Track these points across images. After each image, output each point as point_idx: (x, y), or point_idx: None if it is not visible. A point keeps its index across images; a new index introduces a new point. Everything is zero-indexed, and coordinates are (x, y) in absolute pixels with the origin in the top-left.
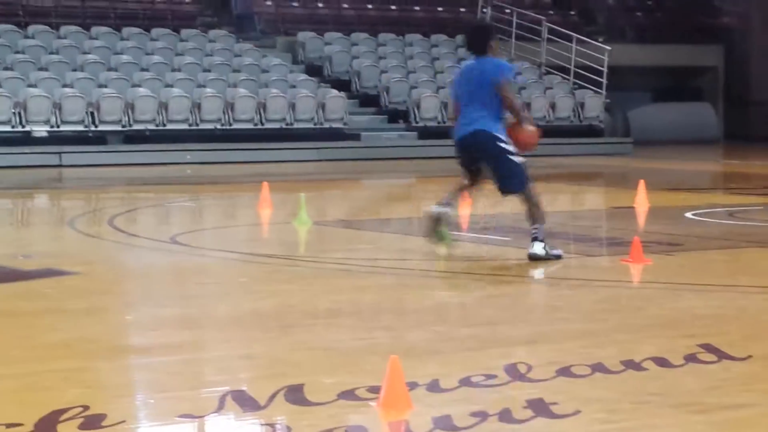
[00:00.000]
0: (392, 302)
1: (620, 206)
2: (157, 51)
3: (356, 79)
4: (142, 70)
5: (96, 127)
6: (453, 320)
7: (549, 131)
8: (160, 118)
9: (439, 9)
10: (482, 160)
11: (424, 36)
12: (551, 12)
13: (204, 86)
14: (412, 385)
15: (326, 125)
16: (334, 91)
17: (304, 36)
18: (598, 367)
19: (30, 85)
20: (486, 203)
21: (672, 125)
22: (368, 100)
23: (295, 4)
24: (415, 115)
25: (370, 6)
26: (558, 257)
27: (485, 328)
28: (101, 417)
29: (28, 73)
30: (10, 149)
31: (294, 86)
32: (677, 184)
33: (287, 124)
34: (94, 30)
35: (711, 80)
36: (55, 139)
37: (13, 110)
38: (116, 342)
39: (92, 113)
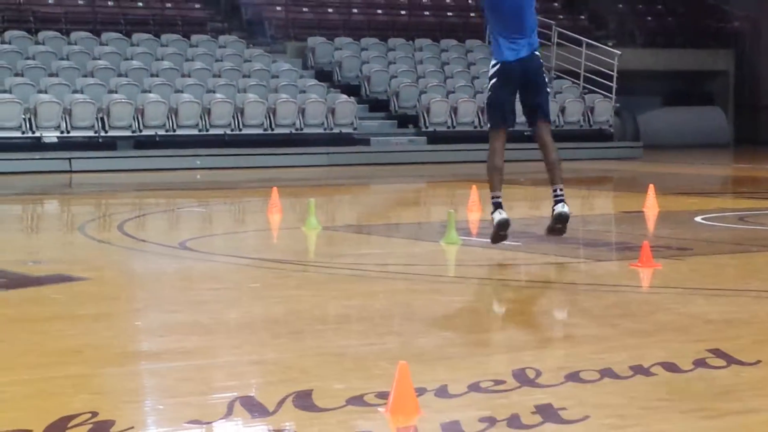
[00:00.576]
0: (402, 307)
1: (630, 210)
2: (167, 56)
3: (366, 84)
4: (152, 75)
5: (106, 132)
6: (462, 325)
7: (559, 135)
8: (170, 123)
9: (449, 14)
10: (529, 88)
11: (433, 41)
12: (561, 16)
13: (214, 92)
14: (421, 391)
15: (336, 130)
16: (344, 96)
17: (314, 41)
18: (607, 373)
19: (40, 91)
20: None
21: (682, 129)
22: (378, 105)
23: (305, 9)
24: (424, 120)
25: (380, 11)
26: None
27: (494, 333)
28: (110, 423)
29: (39, 79)
30: (21, 155)
31: (304, 91)
32: (687, 189)
33: (297, 130)
34: (104, 36)
35: (721, 84)
36: (65, 144)
37: (23, 116)
38: (125, 348)
39: (102, 119)
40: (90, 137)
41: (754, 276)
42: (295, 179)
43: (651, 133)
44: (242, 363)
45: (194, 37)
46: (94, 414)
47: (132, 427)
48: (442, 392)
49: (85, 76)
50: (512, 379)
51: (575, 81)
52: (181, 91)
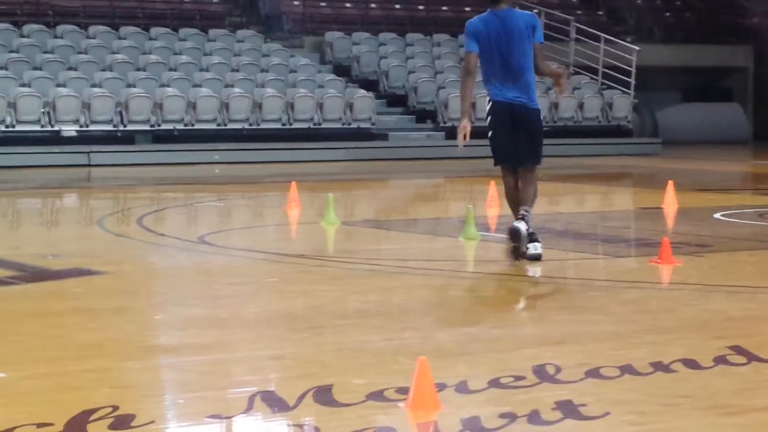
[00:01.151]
0: (421, 303)
1: (649, 207)
2: (185, 51)
3: (384, 79)
4: (171, 69)
5: (124, 126)
6: (482, 321)
7: (577, 131)
8: (189, 117)
9: (467, 9)
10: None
11: (451, 36)
12: (579, 12)
13: (232, 86)
14: (441, 386)
15: (354, 125)
16: (362, 91)
17: (332, 36)
18: (628, 369)
19: (59, 85)
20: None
21: (701, 126)
22: (396, 100)
23: (323, 4)
24: (442, 115)
25: (397, 6)
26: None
27: (514, 329)
28: (131, 417)
29: (57, 72)
30: (39, 149)
31: (322, 86)
32: (706, 185)
33: (315, 124)
34: (123, 30)
35: (740, 81)
36: (84, 138)
37: (42, 110)
38: (145, 342)
39: (121, 113)
40: (108, 131)
41: None
42: (313, 174)
43: (670, 129)
44: (262, 358)
45: (212, 32)
46: (115, 408)
47: (153, 421)
48: (462, 388)
49: (104, 70)
50: (532, 375)
51: (594, 77)
52: (200, 86)
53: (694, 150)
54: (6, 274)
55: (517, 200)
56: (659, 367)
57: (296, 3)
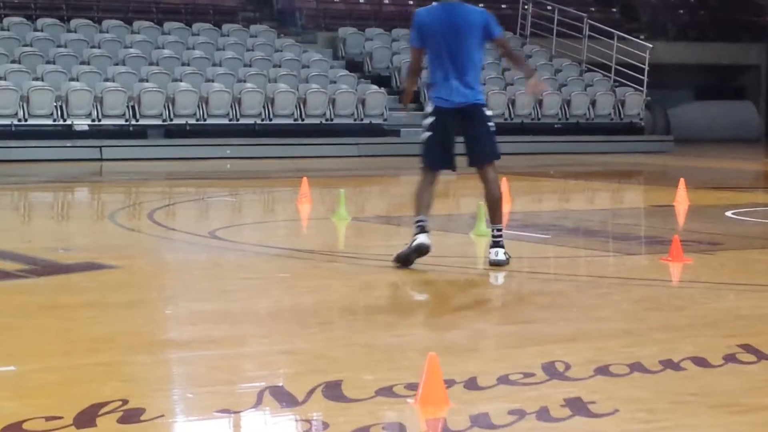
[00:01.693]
0: (431, 299)
1: (660, 204)
2: (199, 46)
3: (396, 75)
4: (183, 64)
5: (137, 121)
6: (491, 317)
7: (589, 128)
8: (201, 112)
9: (480, 5)
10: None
11: None
12: (593, 9)
13: (244, 81)
14: (450, 383)
15: (366, 121)
16: (374, 87)
17: (345, 32)
18: (637, 367)
19: (72, 79)
20: (524, 200)
21: (713, 123)
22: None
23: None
24: None
25: (411, 2)
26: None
27: (523, 326)
28: (140, 411)
29: (70, 66)
30: (52, 143)
31: (334, 82)
32: (718, 183)
33: (327, 120)
34: (136, 24)
35: (753, 78)
36: (96, 132)
37: (54, 104)
38: (155, 336)
39: (133, 107)
40: (121, 125)
41: None
42: (324, 169)
43: (682, 126)
44: (272, 353)
45: (225, 27)
46: (125, 401)
47: (162, 415)
48: (471, 384)
49: (117, 64)
50: (542, 372)
51: (606, 74)
52: (212, 81)
53: (707, 148)
54: (17, 267)
55: (428, 203)
56: (669, 364)
57: None
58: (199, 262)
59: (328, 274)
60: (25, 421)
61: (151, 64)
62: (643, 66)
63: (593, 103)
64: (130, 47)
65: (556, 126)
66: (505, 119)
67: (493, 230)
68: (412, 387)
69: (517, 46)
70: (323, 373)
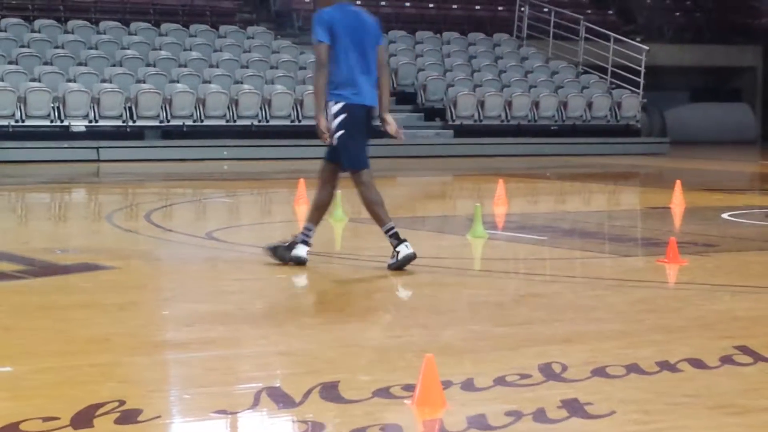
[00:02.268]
0: (428, 300)
1: (656, 206)
2: (196, 47)
3: (393, 77)
4: (180, 65)
5: (134, 122)
6: (488, 319)
7: (586, 130)
8: (198, 113)
9: (477, 7)
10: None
11: (461, 34)
12: (589, 11)
13: (241, 82)
14: (447, 384)
15: None
16: None
17: None
18: (634, 368)
19: (69, 80)
20: (521, 202)
21: (709, 125)
22: (405, 98)
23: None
24: (451, 113)
25: (407, 4)
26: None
27: (520, 327)
28: (137, 412)
29: (67, 67)
30: (49, 143)
31: None
32: (714, 185)
33: None
34: (133, 26)
35: (749, 81)
36: (93, 133)
37: (51, 105)
38: (152, 337)
39: (130, 108)
40: (118, 127)
41: None
42: None
43: (678, 128)
44: (268, 354)
45: (223, 28)
46: (122, 402)
47: (159, 416)
48: (468, 385)
49: (114, 65)
50: (538, 373)
51: (603, 76)
52: (209, 82)
53: (703, 150)
54: (14, 268)
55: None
56: (665, 366)
57: (307, 0)
58: (196, 263)
59: (324, 275)
60: (22, 422)
61: (148, 65)
62: (639, 68)
63: (590, 105)
64: (128, 48)
65: (552, 128)
66: (502, 121)
67: (390, 228)
68: (409, 388)
69: (514, 48)
70: (320, 374)
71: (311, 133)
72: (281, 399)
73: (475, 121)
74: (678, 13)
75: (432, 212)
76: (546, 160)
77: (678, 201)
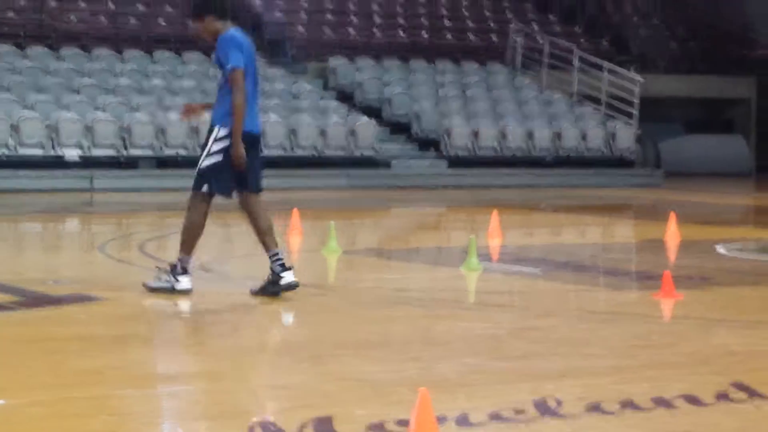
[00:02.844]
0: (422, 333)
1: (651, 239)
2: (189, 74)
3: (387, 106)
4: (174, 94)
5: (127, 152)
6: (483, 353)
7: (580, 162)
8: (192, 143)
9: (471, 37)
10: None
11: (455, 63)
12: (583, 40)
13: None
14: (442, 419)
15: (357, 153)
16: (365, 118)
17: (336, 62)
18: (628, 404)
19: (62, 108)
20: (515, 234)
21: (704, 157)
22: (399, 128)
23: (327, 30)
24: (445, 143)
25: (401, 33)
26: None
27: (515, 361)
28: None
29: (61, 95)
30: (42, 172)
31: (325, 112)
32: (709, 217)
33: (318, 151)
34: (127, 53)
35: (743, 112)
36: (87, 163)
37: (45, 133)
38: (145, 369)
39: (124, 138)
40: (112, 156)
41: None
42: (315, 201)
43: (673, 160)
44: (262, 387)
45: None
46: None
47: None
48: (462, 420)
49: (107, 93)
50: (533, 408)
51: (597, 107)
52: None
53: (697, 182)
54: (6, 299)
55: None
56: (660, 402)
57: (300, 28)
58: (190, 295)
59: (318, 308)
60: None
61: (141, 93)
62: (633, 99)
63: (584, 136)
64: (121, 76)
65: (546, 159)
66: (497, 152)
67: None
68: (404, 423)
69: (508, 78)
70: (314, 408)
71: (305, 162)
72: None
73: (470, 151)
74: (672, 44)
75: (426, 244)
76: (540, 191)
77: (673, 234)
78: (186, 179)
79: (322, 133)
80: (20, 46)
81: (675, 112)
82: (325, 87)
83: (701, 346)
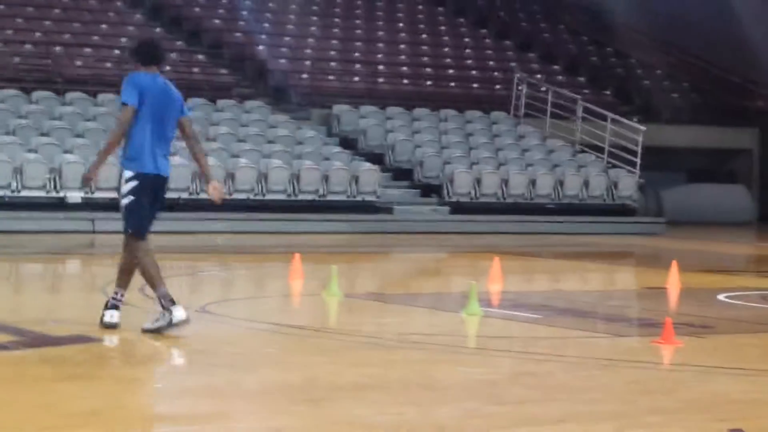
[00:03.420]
0: (420, 377)
1: (652, 287)
2: (193, 120)
3: (390, 153)
4: (178, 139)
5: None
6: (482, 397)
7: (582, 209)
8: (194, 187)
9: (474, 86)
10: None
11: (458, 112)
12: (586, 91)
13: (238, 156)
14: None
15: (359, 198)
16: (368, 164)
17: (339, 109)
18: None
19: (66, 152)
20: (516, 280)
21: (706, 206)
22: (402, 174)
23: (331, 77)
24: (448, 190)
25: (405, 81)
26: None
27: (514, 406)
28: None
29: (65, 139)
30: (45, 214)
31: (328, 158)
32: (710, 266)
33: (320, 196)
34: None
35: (745, 162)
36: (89, 205)
37: (48, 176)
38: (144, 411)
39: None
40: (114, 199)
41: None
42: (317, 246)
43: (674, 209)
44: (259, 429)
45: (220, 102)
46: None
47: None
48: None
49: None
50: None
51: (599, 155)
52: (206, 155)
53: (699, 230)
54: (7, 339)
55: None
56: None
57: (304, 75)
58: (189, 336)
59: (317, 351)
60: None
61: None
62: (636, 148)
63: (586, 183)
64: None
65: (549, 206)
66: (498, 198)
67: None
68: None
69: (512, 126)
70: None
71: (307, 207)
72: None
73: (472, 198)
74: (675, 94)
75: (427, 289)
76: (542, 238)
77: (674, 282)
78: (187, 222)
79: (325, 178)
80: (26, 91)
81: (678, 161)
82: (329, 134)
83: (701, 393)
